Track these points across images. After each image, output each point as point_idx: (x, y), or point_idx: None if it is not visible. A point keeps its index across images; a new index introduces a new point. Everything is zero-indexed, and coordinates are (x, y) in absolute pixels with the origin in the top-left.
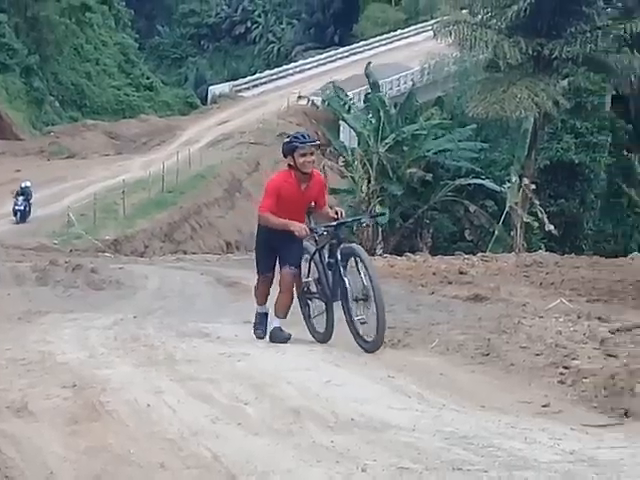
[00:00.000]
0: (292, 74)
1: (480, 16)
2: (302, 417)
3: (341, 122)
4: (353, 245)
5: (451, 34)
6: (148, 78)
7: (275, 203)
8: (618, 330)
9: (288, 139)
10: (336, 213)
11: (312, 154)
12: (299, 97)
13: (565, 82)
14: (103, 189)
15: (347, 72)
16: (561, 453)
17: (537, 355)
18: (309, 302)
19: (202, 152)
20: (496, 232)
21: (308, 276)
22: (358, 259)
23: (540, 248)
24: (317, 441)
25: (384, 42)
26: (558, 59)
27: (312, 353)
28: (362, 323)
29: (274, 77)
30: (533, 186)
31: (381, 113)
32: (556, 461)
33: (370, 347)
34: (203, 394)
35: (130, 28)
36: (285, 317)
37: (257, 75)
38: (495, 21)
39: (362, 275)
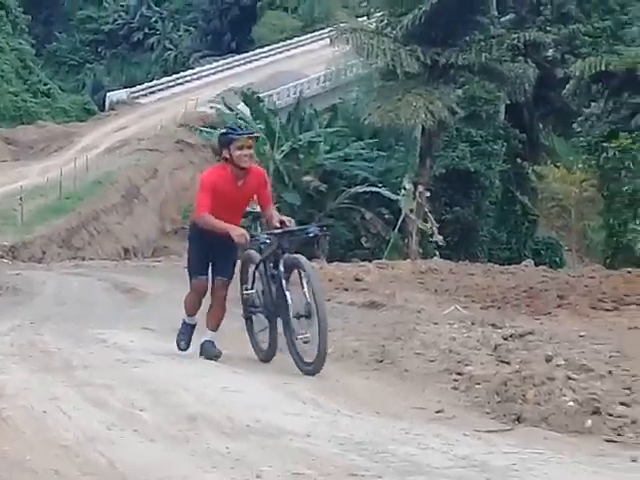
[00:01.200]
0: (189, 81)
1: (376, 24)
2: (198, 423)
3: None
4: (297, 256)
5: (348, 41)
6: (46, 84)
7: (211, 200)
8: (511, 336)
9: (224, 130)
10: (281, 222)
11: (249, 147)
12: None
13: (460, 91)
14: (0, 195)
15: (244, 79)
16: (454, 458)
17: (431, 361)
18: (252, 316)
19: (100, 158)
20: (392, 239)
21: (252, 288)
22: (302, 272)
23: (435, 255)
24: (213, 447)
25: (281, 49)
26: (454, 68)
27: (211, 364)
28: (304, 342)
29: (171, 84)
30: (428, 194)
31: (271, 120)
32: (449, 466)
33: (310, 370)
34: (99, 400)
35: (27, 34)
36: (216, 330)
37: (154, 82)
38: (391, 29)
39: (305, 290)
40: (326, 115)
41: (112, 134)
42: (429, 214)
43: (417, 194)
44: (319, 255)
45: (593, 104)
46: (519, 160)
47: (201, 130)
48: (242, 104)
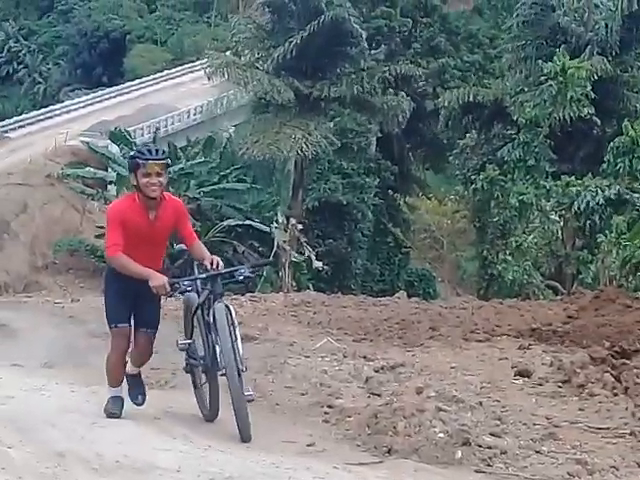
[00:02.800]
0: (59, 114)
1: (247, 57)
2: (67, 460)
3: (108, 165)
4: (216, 306)
5: (224, 75)
6: None
7: (122, 237)
8: (382, 368)
9: (132, 153)
10: (211, 263)
11: (159, 174)
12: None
13: (331, 123)
14: None
15: (115, 112)
16: None
17: (302, 394)
18: (193, 368)
19: None
20: (265, 272)
21: (191, 337)
22: (216, 326)
23: (309, 287)
24: None
25: (151, 82)
26: (325, 100)
27: (77, 395)
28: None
29: (41, 117)
30: (300, 226)
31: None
32: None
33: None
34: None
35: None
36: (117, 385)
37: (23, 115)
38: (262, 62)
39: (217, 349)
40: (197, 149)
41: None
42: (305, 244)
43: (290, 227)
44: None
45: (467, 135)
46: (391, 192)
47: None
48: (110, 140)
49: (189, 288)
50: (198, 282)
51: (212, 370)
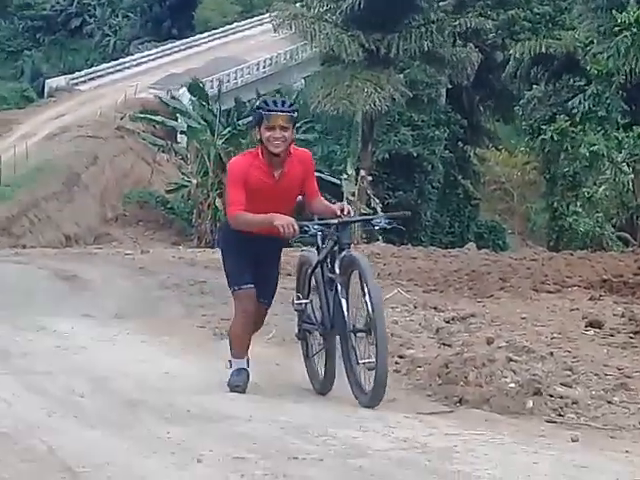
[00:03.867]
0: (129, 67)
1: (315, 9)
2: (138, 409)
3: (178, 116)
4: (354, 254)
5: (291, 27)
6: None
7: (245, 195)
8: (453, 319)
9: (257, 104)
10: (341, 210)
11: (284, 128)
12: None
13: (401, 75)
14: None
15: (185, 65)
16: (395, 441)
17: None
18: (307, 335)
19: (39, 146)
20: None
21: (307, 297)
22: (360, 273)
23: (378, 239)
24: (153, 433)
25: (220, 35)
26: (395, 53)
27: (148, 345)
28: (369, 369)
29: (110, 70)
30: (370, 178)
31: (212, 107)
32: (390, 448)
33: (367, 401)
34: (38, 387)
35: None
36: (243, 356)
37: (94, 68)
38: (330, 15)
39: (366, 298)
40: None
41: (51, 121)
42: (373, 196)
43: (359, 178)
44: None
45: (535, 87)
46: (461, 144)
47: (140, 119)
48: (183, 89)
49: (319, 232)
50: (317, 228)
51: (332, 333)
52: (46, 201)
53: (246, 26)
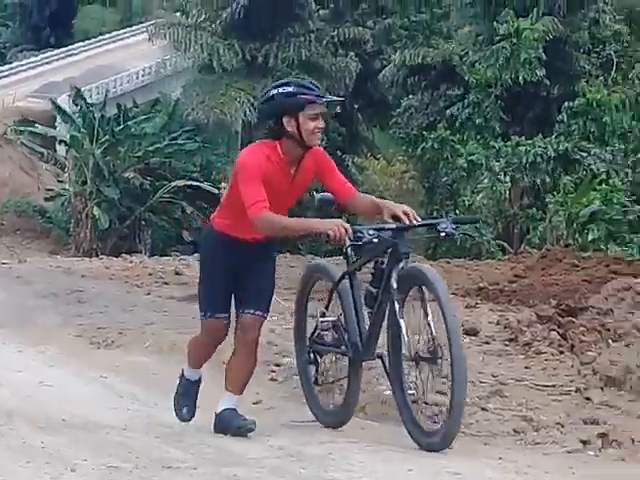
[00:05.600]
0: (7, 76)
1: (194, 18)
2: (14, 419)
3: (57, 124)
4: (421, 266)
5: (166, 36)
6: None
7: (264, 191)
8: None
9: (288, 89)
10: (405, 213)
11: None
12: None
13: None
14: None
15: (64, 73)
16: (270, 449)
17: None
18: (317, 359)
19: None
20: None
21: (324, 315)
22: (428, 290)
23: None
24: (28, 442)
25: (100, 44)
26: (273, 62)
27: (24, 354)
28: (423, 402)
29: None
30: None
31: (92, 115)
32: (265, 457)
33: (435, 444)
34: None
35: None
36: (242, 393)
37: None
38: (210, 23)
39: (430, 319)
40: (146, 109)
41: None
42: None
43: None
44: (141, 250)
45: (411, 96)
46: (339, 153)
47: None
48: (63, 96)
49: (375, 240)
50: (371, 234)
51: (361, 357)
52: None
53: (126, 35)
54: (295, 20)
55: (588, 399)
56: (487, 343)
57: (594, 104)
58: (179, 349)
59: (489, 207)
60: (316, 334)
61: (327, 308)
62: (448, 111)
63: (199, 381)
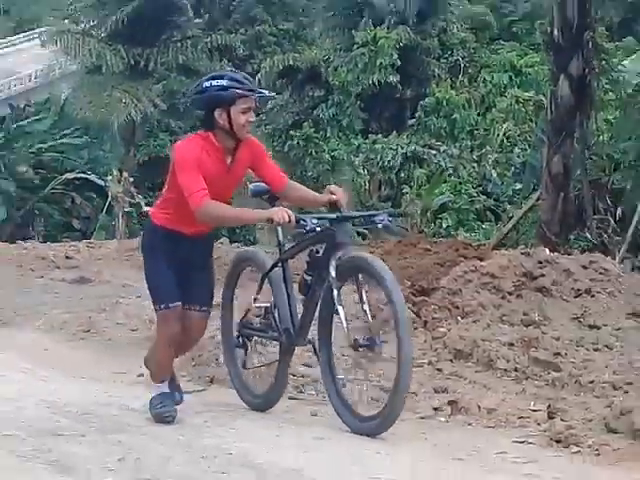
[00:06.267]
0: None
1: (83, 25)
2: None
3: None
4: (363, 254)
5: (57, 42)
6: None
7: (203, 181)
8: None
9: (221, 82)
10: (334, 203)
11: (253, 111)
12: None
13: (160, 85)
14: None
15: None
16: (151, 418)
17: (133, 330)
18: (247, 343)
19: None
20: (100, 221)
21: (256, 301)
22: (373, 278)
23: (140, 234)
24: None
25: None
26: (154, 65)
27: None
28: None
29: None
30: (132, 179)
31: None
32: (146, 425)
33: (373, 428)
34: None
35: None
36: (164, 381)
37: None
38: (97, 30)
39: (365, 307)
40: (36, 109)
41: None
42: (135, 193)
43: (123, 179)
44: (34, 237)
45: (278, 96)
46: None
47: None
48: None
49: (318, 228)
50: (313, 223)
51: (296, 343)
52: None
53: (19, 40)
54: (173, 27)
55: (439, 370)
56: (350, 321)
57: (444, 102)
58: (69, 327)
59: (351, 198)
60: (245, 319)
61: (258, 294)
62: (315, 111)
63: (173, 392)
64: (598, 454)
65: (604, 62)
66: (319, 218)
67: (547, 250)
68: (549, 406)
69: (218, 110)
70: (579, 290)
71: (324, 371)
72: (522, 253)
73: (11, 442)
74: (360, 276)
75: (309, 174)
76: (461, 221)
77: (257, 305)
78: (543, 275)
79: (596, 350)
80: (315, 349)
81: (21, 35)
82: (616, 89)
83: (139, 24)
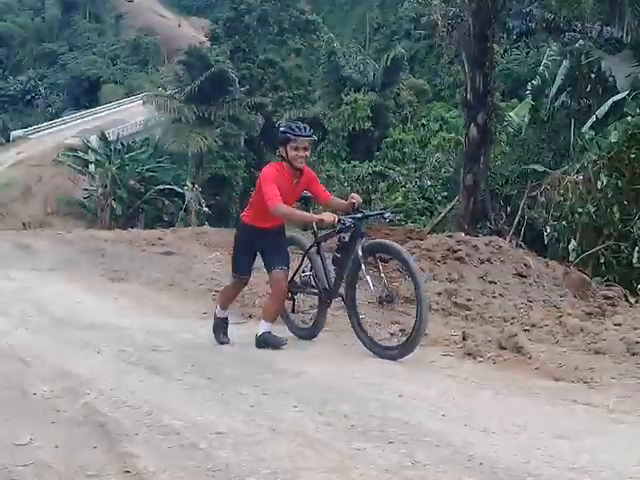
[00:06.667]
0: (60, 124)
1: (170, 91)
2: (65, 323)
3: (89, 152)
4: (381, 240)
5: (152, 103)
6: None
7: (278, 191)
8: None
9: (282, 128)
10: (353, 205)
11: (306, 149)
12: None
13: (218, 130)
14: None
15: (93, 124)
16: (211, 339)
17: (200, 284)
18: (294, 296)
19: (6, 170)
20: (180, 216)
21: (300, 270)
22: (380, 256)
23: (204, 224)
24: (72, 337)
25: (114, 106)
26: (214, 117)
27: (69, 286)
28: (378, 324)
29: (49, 126)
30: (200, 189)
31: (109, 148)
32: (210, 344)
33: (394, 354)
34: (4, 311)
35: None
36: (273, 322)
37: (39, 125)
38: (178, 95)
39: (382, 275)
40: (140, 144)
41: (14, 156)
42: (202, 199)
43: (194, 189)
44: (138, 226)
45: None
46: (253, 169)
47: (67, 155)
48: (94, 137)
49: (352, 226)
50: (350, 221)
51: (332, 297)
52: (11, 202)
53: (129, 101)
54: (227, 93)
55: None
56: (374, 285)
57: (398, 141)
58: (160, 282)
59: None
60: (293, 283)
61: (301, 266)
62: (317, 147)
63: (227, 318)
64: (494, 362)
65: (499, 114)
66: (352, 217)
67: (463, 234)
68: (463, 332)
69: (282, 147)
70: (483, 259)
71: (351, 313)
72: (447, 236)
73: (124, 354)
74: (377, 255)
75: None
76: (408, 216)
77: (303, 275)
78: (460, 250)
79: (494, 297)
80: (344, 300)
81: (130, 98)
82: (505, 132)
83: (205, 90)
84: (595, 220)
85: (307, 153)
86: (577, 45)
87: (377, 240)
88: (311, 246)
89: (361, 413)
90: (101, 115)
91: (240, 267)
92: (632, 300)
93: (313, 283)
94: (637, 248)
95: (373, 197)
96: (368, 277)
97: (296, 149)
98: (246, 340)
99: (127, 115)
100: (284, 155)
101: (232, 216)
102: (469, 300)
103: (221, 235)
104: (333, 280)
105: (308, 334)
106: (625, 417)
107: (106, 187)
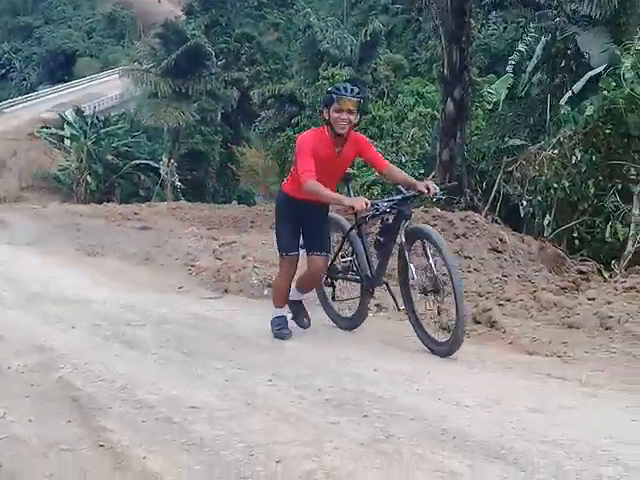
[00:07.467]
0: (35, 98)
1: (146, 65)
2: (39, 297)
3: (65, 127)
4: (421, 226)
5: (129, 76)
6: None
7: (313, 164)
8: (223, 244)
9: (329, 88)
10: (427, 188)
11: (350, 112)
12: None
13: (195, 104)
14: None
15: (68, 97)
16: (187, 313)
17: (176, 259)
18: (334, 283)
19: None
20: (156, 191)
21: (339, 254)
22: (426, 242)
23: (181, 199)
24: (46, 311)
25: (89, 80)
26: (191, 91)
27: (44, 260)
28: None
29: (24, 101)
30: (176, 165)
31: (85, 122)
32: (185, 318)
33: (444, 351)
34: None
35: None
36: (284, 306)
37: (14, 99)
38: (154, 69)
39: (431, 262)
40: (116, 119)
41: None
42: (177, 174)
43: (170, 164)
44: (114, 200)
45: (267, 111)
46: (229, 144)
47: (43, 129)
48: (69, 111)
49: (388, 209)
50: (384, 206)
51: (372, 285)
52: None
53: (105, 75)
54: (203, 67)
55: None
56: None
57: (376, 117)
58: (135, 257)
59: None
60: (333, 268)
61: (341, 250)
62: (292, 121)
63: (301, 301)
64: (468, 336)
65: (475, 90)
66: (389, 201)
67: (438, 209)
68: (438, 307)
69: (325, 109)
70: (458, 234)
71: (408, 309)
72: (423, 211)
73: (99, 329)
74: (424, 240)
75: (289, 159)
76: (385, 190)
77: (343, 260)
78: (436, 225)
79: (469, 272)
80: (389, 289)
81: (106, 72)
82: (482, 106)
83: (181, 65)
84: (570, 195)
85: (352, 117)
86: (553, 22)
87: (417, 225)
88: (351, 228)
89: (335, 387)
90: (77, 89)
91: (287, 244)
92: (606, 275)
93: (354, 269)
94: (610, 223)
95: (350, 171)
96: (411, 265)
97: (339, 111)
98: (222, 315)
99: (103, 89)
100: (326, 117)
101: (208, 191)
102: (444, 275)
103: (197, 210)
104: (376, 267)
105: (349, 325)
106: (598, 391)
107: (82, 161)
